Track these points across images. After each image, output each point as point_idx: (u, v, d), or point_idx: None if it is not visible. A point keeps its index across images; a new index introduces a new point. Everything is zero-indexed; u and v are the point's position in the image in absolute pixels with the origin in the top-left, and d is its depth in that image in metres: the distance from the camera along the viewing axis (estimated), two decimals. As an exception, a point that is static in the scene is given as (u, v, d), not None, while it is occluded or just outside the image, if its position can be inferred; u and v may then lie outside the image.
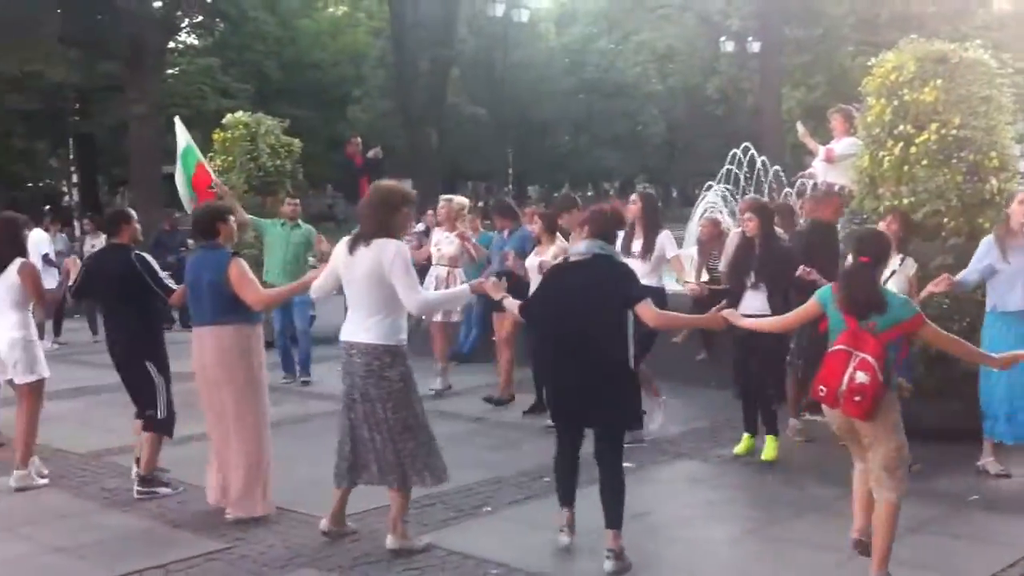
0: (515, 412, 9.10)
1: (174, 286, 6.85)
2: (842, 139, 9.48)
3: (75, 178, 32.17)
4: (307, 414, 9.35)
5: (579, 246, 5.48)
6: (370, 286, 5.39)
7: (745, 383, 7.61)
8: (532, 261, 8.69)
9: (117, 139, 33.99)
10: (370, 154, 16.07)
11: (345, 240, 5.59)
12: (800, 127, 10.53)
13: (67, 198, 34.94)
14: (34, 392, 7.19)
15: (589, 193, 53.08)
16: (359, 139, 16.31)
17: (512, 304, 5.72)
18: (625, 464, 5.56)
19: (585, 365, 5.24)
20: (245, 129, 13.72)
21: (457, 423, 8.71)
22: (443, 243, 10.11)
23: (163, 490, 6.81)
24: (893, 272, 6.85)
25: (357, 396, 5.48)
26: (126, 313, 6.82)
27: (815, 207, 8.99)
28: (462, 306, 9.75)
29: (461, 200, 10.66)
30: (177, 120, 10.63)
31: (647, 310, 5.29)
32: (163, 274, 6.91)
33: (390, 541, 5.59)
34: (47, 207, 11.26)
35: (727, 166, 15.85)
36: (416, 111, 32.20)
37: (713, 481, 7.04)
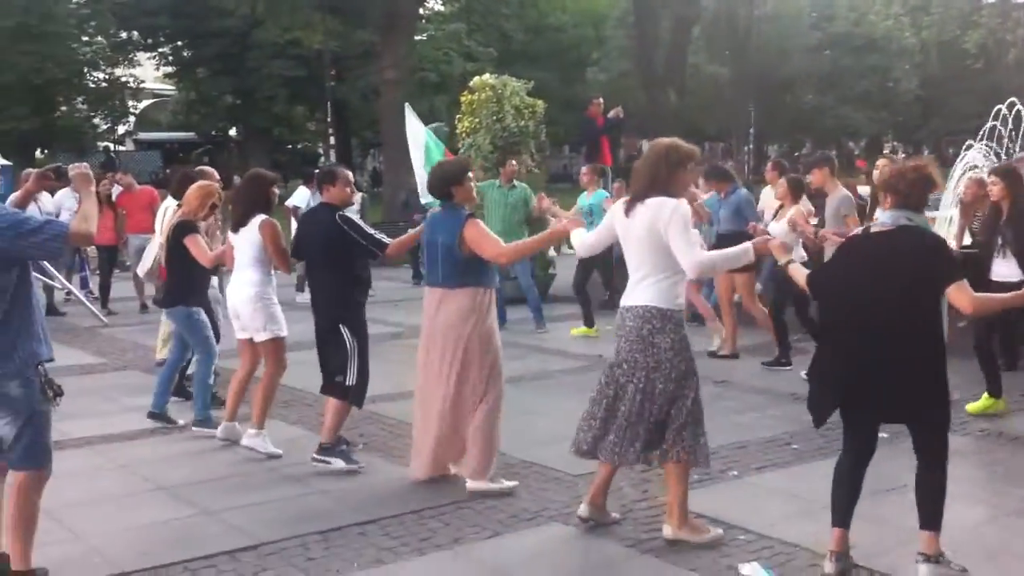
0: (759, 376, 8.98)
1: (387, 240, 6.55)
2: None
3: (332, 140, 33.72)
4: (548, 371, 9.53)
5: (883, 216, 4.78)
6: (646, 247, 5.08)
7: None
8: (775, 227, 8.52)
9: (368, 103, 35.46)
10: (611, 114, 16.07)
11: (621, 201, 5.35)
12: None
13: (323, 160, 36.76)
14: (271, 351, 6.97)
15: (832, 152, 51.11)
16: (601, 100, 16.32)
17: (799, 273, 5.13)
18: (881, 435, 5.27)
19: (892, 351, 4.60)
20: (491, 91, 13.96)
21: (702, 385, 8.61)
22: None
23: (337, 463, 6.47)
24: None
25: (619, 361, 5.17)
26: (325, 274, 6.59)
27: None
28: None
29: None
30: (408, 108, 9.86)
31: (962, 294, 4.52)
32: (371, 229, 6.58)
33: (666, 530, 5.22)
34: (316, 170, 11.98)
35: (991, 122, 14.86)
36: (656, 71, 31.85)
37: (974, 457, 6.67)
